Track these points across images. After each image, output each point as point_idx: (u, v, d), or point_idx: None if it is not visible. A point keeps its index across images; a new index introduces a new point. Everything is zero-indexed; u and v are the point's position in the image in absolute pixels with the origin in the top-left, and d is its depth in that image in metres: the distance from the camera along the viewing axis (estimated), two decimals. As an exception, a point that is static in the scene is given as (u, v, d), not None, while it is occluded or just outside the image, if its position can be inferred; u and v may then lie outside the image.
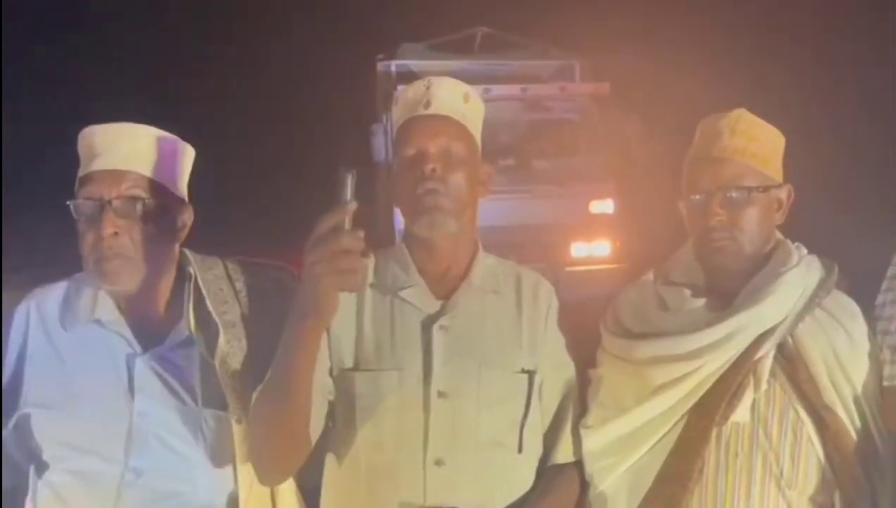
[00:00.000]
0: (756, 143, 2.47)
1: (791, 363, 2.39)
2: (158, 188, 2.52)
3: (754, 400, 2.38)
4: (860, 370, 2.42)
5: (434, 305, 2.51)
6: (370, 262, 2.60)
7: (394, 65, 10.50)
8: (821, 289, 2.47)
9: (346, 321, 2.49)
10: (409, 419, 2.41)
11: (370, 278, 2.57)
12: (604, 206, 10.61)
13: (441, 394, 2.42)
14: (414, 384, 2.43)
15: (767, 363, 2.39)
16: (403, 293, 2.52)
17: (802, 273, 2.47)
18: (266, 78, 14.15)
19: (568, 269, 10.08)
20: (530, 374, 2.50)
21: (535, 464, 2.53)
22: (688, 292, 2.51)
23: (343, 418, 2.47)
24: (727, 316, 2.40)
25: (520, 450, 2.47)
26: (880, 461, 2.40)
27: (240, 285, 2.63)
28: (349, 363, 2.47)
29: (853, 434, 2.38)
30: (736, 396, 2.36)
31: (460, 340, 2.47)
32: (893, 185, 10.47)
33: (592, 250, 10.41)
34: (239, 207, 12.09)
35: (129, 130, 2.53)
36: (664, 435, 2.44)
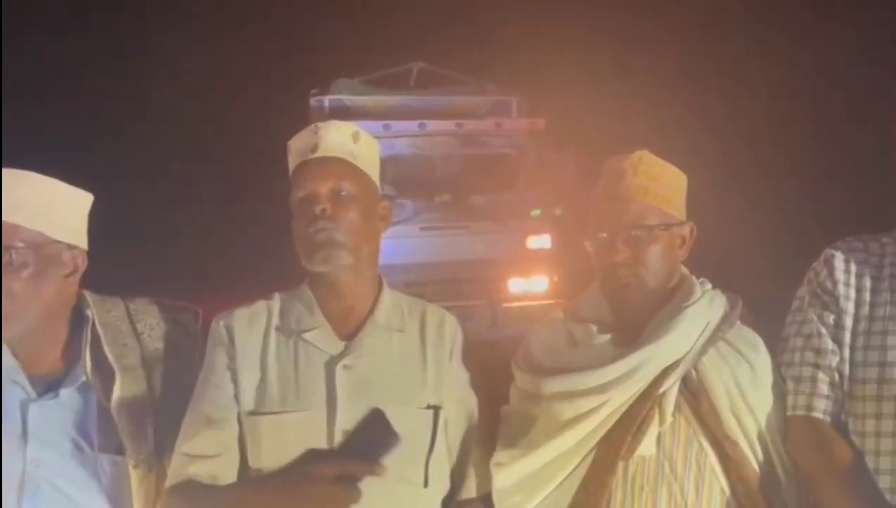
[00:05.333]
0: (657, 183, 2.54)
1: (694, 395, 2.44)
2: (33, 236, 2.49)
3: (659, 433, 2.42)
4: (763, 402, 2.47)
5: (337, 345, 2.52)
6: (275, 304, 2.61)
7: (327, 100, 10.41)
8: (724, 323, 2.52)
9: (250, 366, 2.51)
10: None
11: (275, 321, 2.57)
12: (541, 241, 10.63)
13: (345, 433, 2.42)
14: (319, 424, 2.43)
15: (672, 397, 2.43)
16: (307, 335, 2.53)
17: (705, 307, 2.52)
18: (197, 113, 14.05)
19: (505, 305, 10.07)
20: (435, 410, 2.52)
21: (440, 498, 2.54)
22: (595, 327, 2.54)
23: (251, 459, 2.47)
24: (632, 350, 2.44)
25: (425, 485, 2.48)
26: (783, 490, 2.46)
27: (142, 326, 2.62)
28: (252, 407, 2.48)
29: (755, 465, 2.43)
30: (641, 429, 2.40)
31: (364, 379, 2.48)
32: (802, 222, 10.64)
33: (530, 286, 10.41)
34: (167, 246, 11.95)
35: (7, 179, 2.49)
36: (573, 470, 2.47)
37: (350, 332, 2.55)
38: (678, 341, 2.45)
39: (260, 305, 2.61)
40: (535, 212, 10.41)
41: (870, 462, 2.38)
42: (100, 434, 2.46)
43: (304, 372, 2.49)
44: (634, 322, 2.51)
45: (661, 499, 2.41)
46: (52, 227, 2.53)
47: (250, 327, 2.55)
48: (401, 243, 9.27)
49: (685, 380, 2.45)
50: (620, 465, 2.42)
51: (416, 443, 2.48)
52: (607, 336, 2.52)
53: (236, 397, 2.49)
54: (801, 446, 2.44)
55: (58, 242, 2.54)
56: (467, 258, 10.09)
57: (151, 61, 14.59)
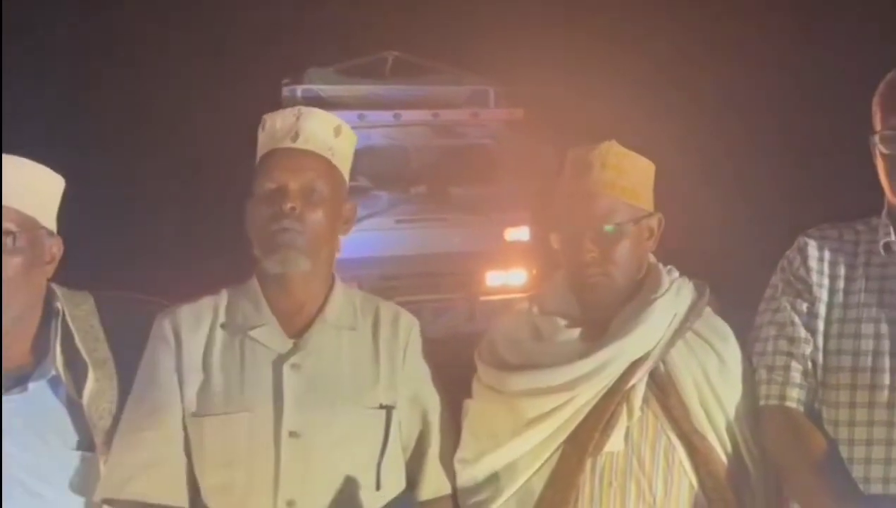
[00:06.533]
0: (625, 175, 2.50)
1: (662, 389, 2.42)
2: (27, 221, 2.43)
3: (627, 428, 2.40)
4: (731, 393, 2.45)
5: (286, 343, 2.45)
6: (221, 300, 2.54)
7: (300, 89, 10.27)
8: (692, 313, 2.49)
9: (194, 366, 2.45)
10: (259, 461, 2.38)
11: (221, 318, 2.50)
12: (519, 233, 10.56)
13: (292, 434, 2.38)
14: (264, 425, 2.39)
15: (640, 391, 2.41)
16: (254, 333, 2.46)
17: (672, 299, 2.49)
18: (165, 101, 13.90)
19: (483, 298, 10.01)
20: (388, 409, 2.47)
21: (395, 501, 2.49)
22: (561, 321, 2.50)
23: (195, 462, 2.43)
24: (599, 347, 2.41)
25: (377, 487, 2.43)
26: (751, 480, 2.45)
27: (111, 321, 2.55)
28: (195, 408, 2.42)
29: (723, 458, 2.42)
30: (609, 425, 2.38)
31: (313, 378, 2.42)
32: (773, 208, 10.68)
33: (508, 279, 10.34)
34: (133, 238, 11.84)
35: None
36: (540, 467, 2.43)
37: (299, 330, 2.48)
38: (647, 335, 2.43)
39: (206, 301, 2.53)
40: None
41: (843, 451, 2.37)
42: (70, 431, 2.42)
43: (249, 371, 2.43)
44: (602, 316, 2.48)
45: (630, 495, 2.39)
46: (39, 211, 2.48)
47: (196, 325, 2.48)
48: (376, 235, 9.22)
49: (653, 374, 2.43)
50: (588, 462, 2.40)
51: (368, 445, 2.44)
52: (575, 331, 2.48)
53: (181, 398, 2.43)
54: (775, 435, 2.44)
55: (44, 228, 2.49)
56: (444, 251, 10.02)
57: (114, 49, 14.45)
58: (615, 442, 2.38)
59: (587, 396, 2.39)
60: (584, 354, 2.40)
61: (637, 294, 2.48)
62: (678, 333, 2.45)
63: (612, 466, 2.40)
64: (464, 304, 9.85)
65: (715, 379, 2.43)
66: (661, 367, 2.42)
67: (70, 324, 2.48)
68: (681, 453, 2.40)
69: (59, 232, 2.55)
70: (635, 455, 2.40)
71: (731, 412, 2.44)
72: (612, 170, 2.47)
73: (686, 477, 2.40)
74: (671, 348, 2.43)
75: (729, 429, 2.43)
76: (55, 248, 2.51)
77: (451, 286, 9.89)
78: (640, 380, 2.40)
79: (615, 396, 2.38)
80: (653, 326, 2.43)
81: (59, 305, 2.50)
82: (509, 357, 2.51)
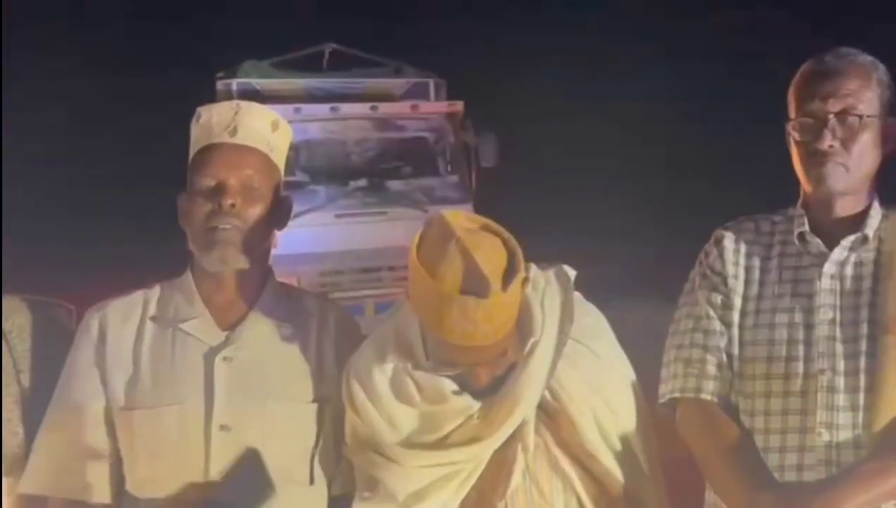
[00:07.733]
0: (507, 311, 2.22)
1: (552, 416, 2.36)
2: None
3: (526, 463, 2.35)
4: (612, 389, 2.41)
5: (218, 336, 2.46)
6: (153, 294, 2.54)
7: (235, 83, 10.12)
8: (565, 320, 2.35)
9: (122, 360, 2.44)
10: (189, 455, 2.36)
11: (152, 311, 2.50)
12: (462, 227, 10.47)
13: (223, 427, 2.37)
14: (194, 418, 2.37)
15: (531, 425, 2.34)
16: (185, 326, 2.46)
17: (550, 334, 2.32)
18: (98, 97, 13.77)
19: (426, 292, 9.92)
20: (321, 403, 2.44)
21: (327, 495, 2.47)
22: (447, 386, 2.30)
23: (126, 457, 2.42)
24: (499, 423, 2.27)
25: (311, 482, 2.42)
26: (644, 478, 2.44)
27: (9, 325, 2.52)
28: (122, 402, 2.41)
29: (617, 472, 2.38)
30: (510, 470, 2.33)
31: (245, 371, 2.42)
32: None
33: (451, 273, 10.25)
34: (64, 238, 11.68)
35: None
36: None
37: (233, 323, 2.48)
38: (537, 384, 2.30)
39: (137, 295, 2.54)
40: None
41: (759, 440, 2.40)
42: None
43: (180, 364, 2.42)
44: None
45: None
46: None
47: (125, 319, 2.48)
48: (315, 231, 9.11)
49: (541, 403, 2.35)
50: None
51: (301, 439, 2.43)
52: (464, 397, 2.30)
53: (106, 395, 2.42)
54: (691, 428, 2.47)
55: None
56: (385, 246, 9.90)
57: (41, 35, 14.27)
58: (515, 480, 2.33)
59: (486, 455, 2.32)
60: (482, 417, 2.28)
61: (516, 353, 2.30)
62: (558, 351, 2.32)
63: (513, 502, 2.36)
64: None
65: (595, 379, 2.39)
66: (547, 394, 2.34)
67: None
68: (575, 480, 2.37)
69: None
70: (535, 486, 2.37)
71: (619, 410, 2.41)
72: (498, 317, 2.18)
73: (584, 499, 2.38)
74: (555, 369, 2.32)
75: (622, 434, 2.41)
76: None
77: (393, 281, 9.78)
78: (531, 416, 2.33)
79: (514, 441, 2.32)
80: (540, 373, 2.29)
81: None
82: (401, 424, 2.33)
